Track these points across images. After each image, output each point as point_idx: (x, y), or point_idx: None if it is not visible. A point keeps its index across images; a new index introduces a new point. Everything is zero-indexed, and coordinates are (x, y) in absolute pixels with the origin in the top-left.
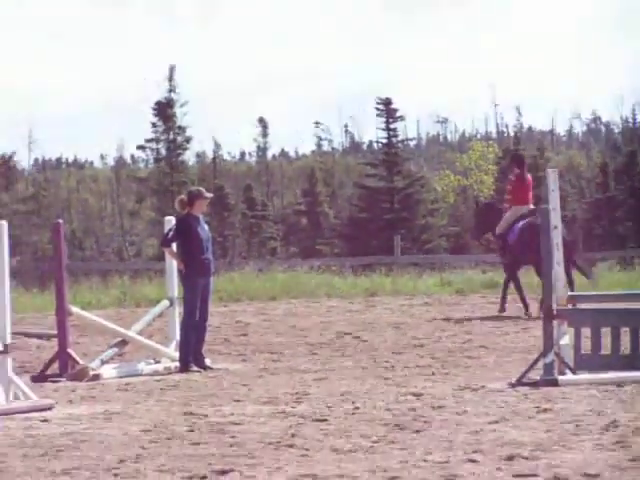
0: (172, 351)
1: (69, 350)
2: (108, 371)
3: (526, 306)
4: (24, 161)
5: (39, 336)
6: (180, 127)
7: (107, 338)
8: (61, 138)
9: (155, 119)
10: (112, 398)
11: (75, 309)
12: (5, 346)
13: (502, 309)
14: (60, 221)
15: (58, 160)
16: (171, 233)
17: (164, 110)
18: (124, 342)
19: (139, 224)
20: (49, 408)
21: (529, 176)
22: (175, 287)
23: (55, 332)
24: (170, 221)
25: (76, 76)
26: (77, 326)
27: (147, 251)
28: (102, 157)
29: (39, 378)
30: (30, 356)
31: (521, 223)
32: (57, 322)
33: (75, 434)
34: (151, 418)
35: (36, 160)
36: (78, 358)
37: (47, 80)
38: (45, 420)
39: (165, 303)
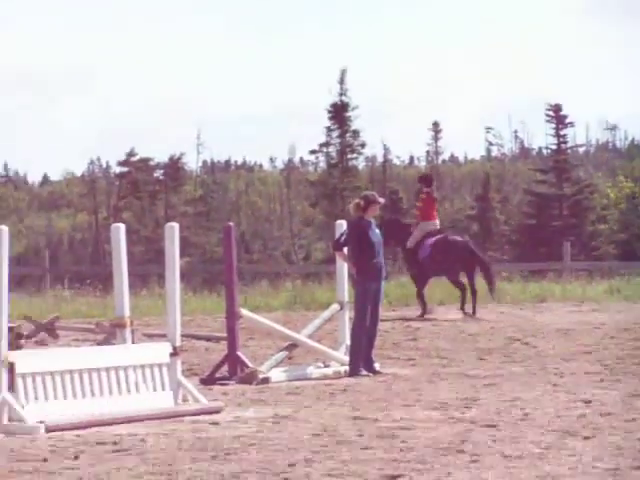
0: (342, 355)
1: (238, 353)
2: (277, 374)
3: (424, 310)
4: (192, 163)
5: (208, 338)
6: (354, 131)
7: (276, 341)
8: (230, 140)
9: (329, 122)
10: (281, 401)
11: (245, 312)
12: (175, 348)
13: (424, 312)
14: (231, 224)
15: (227, 162)
16: (344, 237)
17: (338, 113)
18: (294, 345)
19: (308, 227)
20: (218, 411)
21: (435, 194)
22: (346, 291)
23: (224, 335)
24: (341, 225)
25: (245, 78)
26: (246, 329)
27: (316, 254)
28: (271, 160)
29: (208, 381)
30: (199, 359)
31: (432, 239)
32: (227, 325)
33: (244, 437)
34: (320, 422)
35: (204, 162)
36: (247, 361)
37: (217, 82)
38: (214, 423)
39: (335, 307)
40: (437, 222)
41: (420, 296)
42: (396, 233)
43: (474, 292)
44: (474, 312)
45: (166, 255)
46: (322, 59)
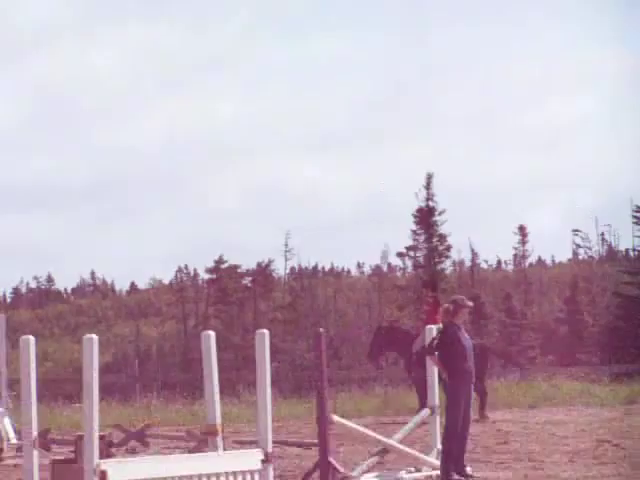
0: (433, 459)
1: (330, 459)
2: (369, 479)
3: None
4: (281, 269)
5: (299, 445)
6: (441, 235)
7: (367, 446)
8: (317, 246)
9: (415, 227)
10: None
11: (336, 418)
12: (266, 455)
13: None
14: (322, 330)
15: (315, 268)
16: (436, 341)
17: (425, 218)
18: (385, 450)
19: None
20: None
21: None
22: (436, 395)
23: (315, 441)
24: (431, 330)
25: (331, 184)
26: (337, 434)
27: (405, 360)
28: (359, 265)
29: None
30: (291, 465)
31: None
32: (319, 430)
33: None
34: None
35: (293, 268)
36: (339, 467)
37: (303, 189)
38: None
39: (426, 411)
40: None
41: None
42: (397, 339)
43: (485, 394)
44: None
45: (257, 362)
46: (409, 163)
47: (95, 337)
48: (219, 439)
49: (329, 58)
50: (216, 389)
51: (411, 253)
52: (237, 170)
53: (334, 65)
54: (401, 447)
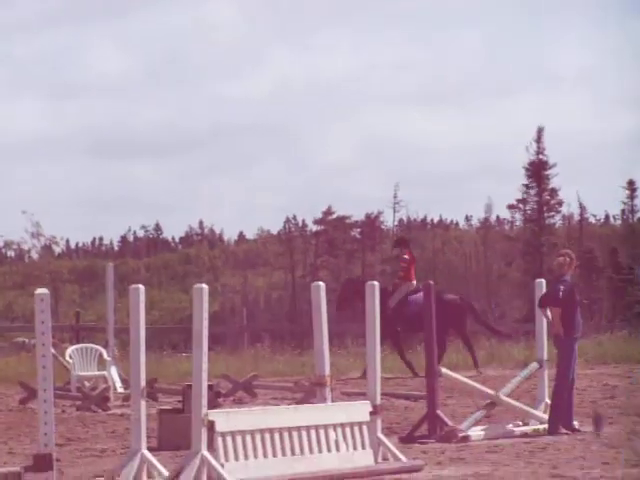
0: (540, 413)
1: (438, 412)
2: (477, 433)
3: (413, 370)
4: (389, 221)
5: (407, 397)
6: (552, 189)
7: (475, 400)
8: (425, 198)
9: (527, 180)
10: (481, 460)
11: (444, 370)
12: (375, 407)
13: (415, 374)
14: (431, 282)
15: (423, 221)
16: (561, 294)
17: (536, 172)
18: (492, 404)
19: (505, 286)
20: (418, 469)
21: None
22: (545, 349)
23: (423, 393)
24: (541, 283)
25: (442, 137)
26: (444, 387)
27: (512, 313)
28: (467, 218)
29: (408, 439)
30: (398, 417)
31: (416, 296)
32: (427, 383)
33: None
34: None
35: (401, 220)
36: (447, 420)
37: (413, 140)
38: None
39: (534, 365)
40: (414, 282)
41: (404, 357)
42: (356, 292)
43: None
44: (476, 364)
45: (367, 313)
46: (520, 117)
47: (205, 287)
48: (327, 390)
49: (444, 9)
50: (325, 340)
51: (521, 206)
52: (348, 122)
53: (448, 17)
54: (509, 400)
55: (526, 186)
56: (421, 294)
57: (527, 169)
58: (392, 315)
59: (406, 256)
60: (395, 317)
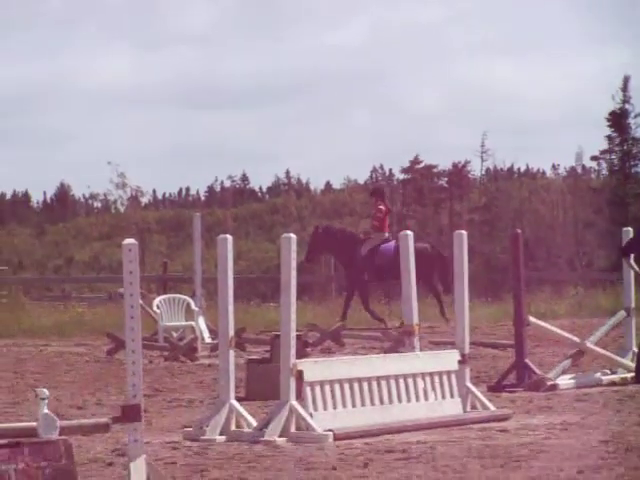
0: (628, 361)
1: (526, 360)
2: (565, 381)
3: (378, 319)
4: (477, 170)
5: (494, 346)
6: (635, 138)
7: (563, 348)
8: (513, 147)
9: (609, 130)
10: (569, 409)
11: (532, 319)
12: (463, 356)
13: (386, 326)
14: (519, 231)
15: (510, 169)
16: (635, 243)
17: (618, 121)
18: (580, 352)
19: (591, 234)
20: (506, 418)
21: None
22: (632, 297)
23: (511, 342)
24: (628, 232)
25: (527, 85)
26: (532, 336)
27: (599, 262)
28: (554, 167)
29: (496, 388)
30: (486, 366)
31: (387, 245)
32: (515, 332)
33: (533, 444)
34: (608, 429)
35: (488, 169)
36: (535, 368)
37: (500, 89)
38: (503, 430)
39: (622, 314)
40: (387, 233)
41: (368, 307)
42: (340, 240)
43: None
44: (443, 314)
45: (455, 263)
46: (606, 66)
47: (293, 236)
48: (416, 339)
49: None
50: (414, 289)
51: (606, 156)
52: (435, 70)
53: None
54: (597, 349)
55: (608, 137)
56: (392, 243)
57: (608, 119)
58: (361, 264)
59: (382, 207)
60: (364, 266)
